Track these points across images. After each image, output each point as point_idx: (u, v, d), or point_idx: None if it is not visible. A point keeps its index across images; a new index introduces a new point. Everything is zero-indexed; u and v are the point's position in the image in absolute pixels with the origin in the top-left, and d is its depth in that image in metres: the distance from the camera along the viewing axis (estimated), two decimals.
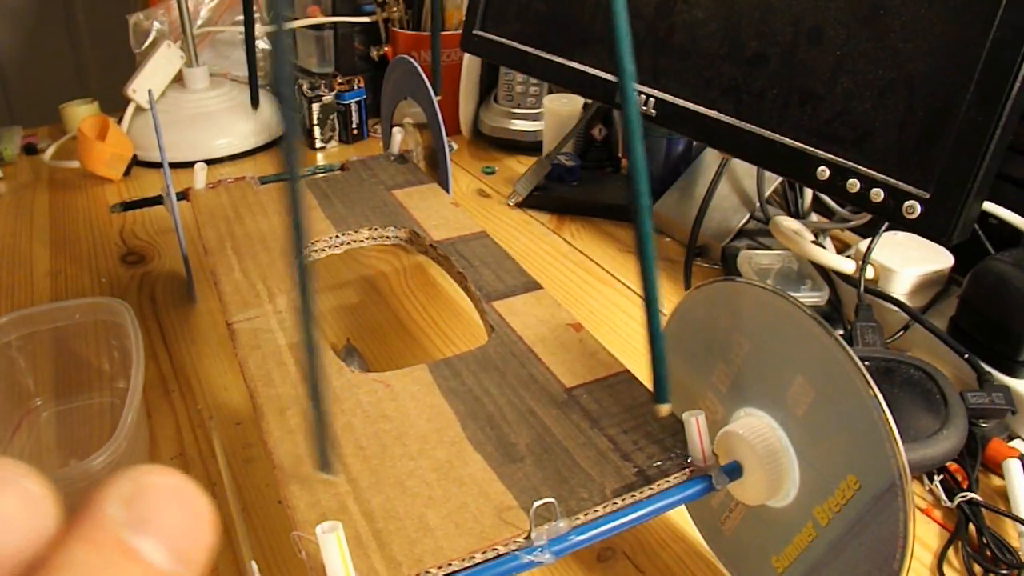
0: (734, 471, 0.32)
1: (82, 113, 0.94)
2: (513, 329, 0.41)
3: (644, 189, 0.29)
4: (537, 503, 0.29)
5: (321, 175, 0.63)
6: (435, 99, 0.61)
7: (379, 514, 0.30)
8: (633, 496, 0.31)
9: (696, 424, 0.32)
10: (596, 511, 0.30)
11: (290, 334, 0.41)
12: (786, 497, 0.32)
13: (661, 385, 0.33)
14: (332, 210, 0.55)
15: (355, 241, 0.53)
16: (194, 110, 0.91)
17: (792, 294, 0.58)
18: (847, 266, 0.58)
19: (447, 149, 0.62)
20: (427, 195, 0.58)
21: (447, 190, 0.60)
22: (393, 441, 0.33)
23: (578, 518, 0.30)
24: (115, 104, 0.94)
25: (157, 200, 0.61)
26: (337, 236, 0.52)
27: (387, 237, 0.54)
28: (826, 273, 0.61)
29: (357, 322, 0.61)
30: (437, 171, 0.66)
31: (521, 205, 0.80)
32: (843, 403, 0.29)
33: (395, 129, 0.66)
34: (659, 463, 0.32)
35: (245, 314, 0.42)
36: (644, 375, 0.38)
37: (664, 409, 0.33)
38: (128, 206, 0.62)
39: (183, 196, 0.58)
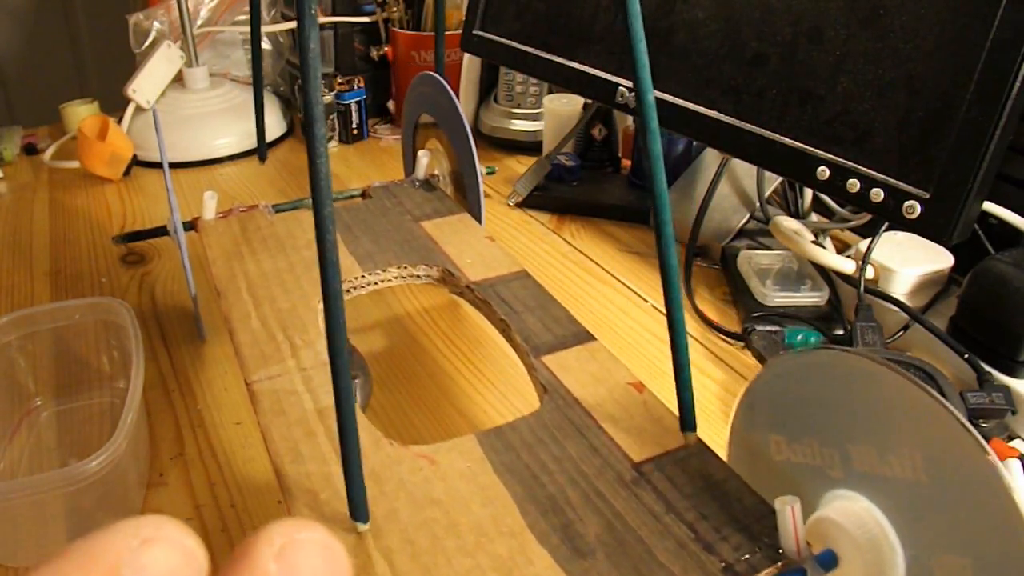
0: (829, 561, 0.29)
1: (82, 113, 0.94)
2: (568, 390, 0.37)
3: (668, 232, 0.28)
4: None
5: (341, 202, 0.58)
6: (468, 127, 0.57)
7: None
8: None
9: (791, 513, 0.28)
10: None
11: (318, 397, 0.36)
12: None
13: (688, 412, 0.30)
14: (356, 245, 0.50)
15: (383, 281, 0.48)
16: (194, 110, 0.92)
17: (793, 295, 0.59)
18: (847, 266, 0.58)
19: (479, 175, 0.57)
20: (458, 227, 0.53)
21: (479, 221, 0.57)
22: (445, 532, 0.29)
23: None
24: (115, 104, 0.95)
25: (161, 231, 0.57)
26: (363, 276, 0.47)
27: (418, 276, 0.49)
28: (826, 273, 0.61)
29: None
30: (463, 194, 0.62)
31: (521, 205, 0.80)
32: None
33: (420, 153, 0.62)
34: (746, 555, 0.28)
35: (266, 372, 0.38)
36: (655, 386, 0.38)
37: (691, 437, 0.30)
38: (130, 237, 0.59)
39: (190, 226, 0.54)
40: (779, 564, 0.28)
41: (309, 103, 0.22)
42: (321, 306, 0.45)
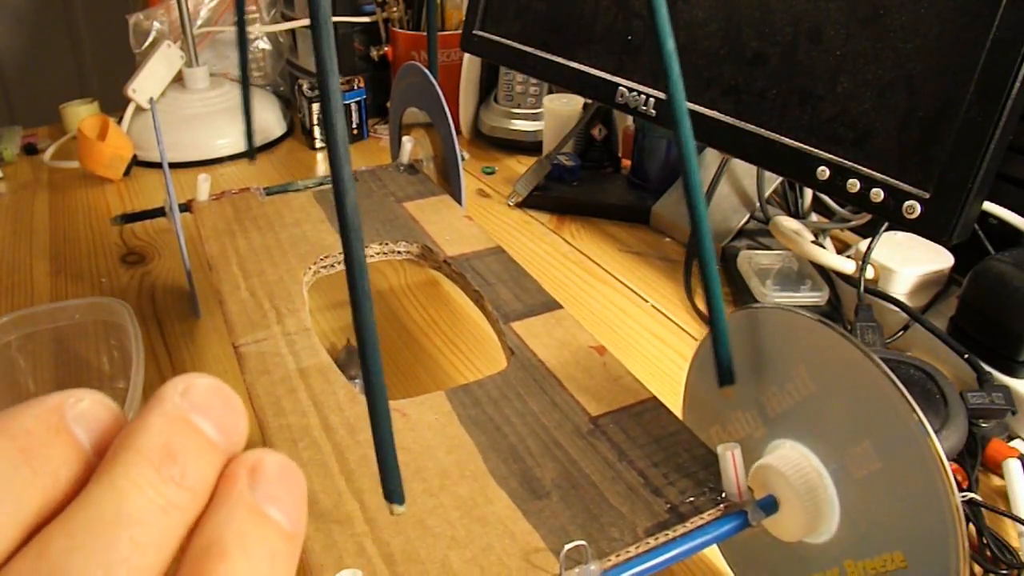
0: (769, 506, 0.31)
1: (82, 113, 0.94)
2: (533, 352, 0.40)
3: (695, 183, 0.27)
4: (568, 546, 0.28)
5: (329, 186, 0.61)
6: (447, 112, 0.59)
7: (399, 557, 0.28)
8: (666, 535, 0.29)
9: (732, 458, 0.30)
10: (628, 551, 0.29)
11: (300, 358, 0.39)
12: (818, 537, 0.31)
13: (724, 367, 0.31)
14: None
15: (365, 256, 0.51)
16: (194, 110, 0.91)
17: (793, 295, 0.59)
18: (847, 266, 0.58)
19: (460, 160, 0.60)
20: (439, 208, 0.56)
21: (459, 202, 0.59)
22: (412, 476, 0.32)
23: (609, 560, 0.28)
24: (115, 104, 0.95)
25: (159, 212, 0.60)
26: None
27: (398, 252, 0.52)
28: (826, 273, 0.61)
29: None
30: (447, 179, 0.64)
31: (521, 205, 0.80)
32: (912, 488, 0.27)
33: (405, 139, 0.64)
34: (692, 498, 0.31)
35: (252, 336, 0.40)
36: (655, 386, 0.38)
37: (730, 392, 0.31)
38: (129, 218, 0.61)
39: (186, 208, 0.56)
40: (721, 507, 0.30)
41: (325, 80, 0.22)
42: (306, 279, 0.47)
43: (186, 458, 0.15)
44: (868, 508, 0.29)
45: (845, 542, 0.30)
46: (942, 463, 0.26)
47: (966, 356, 0.50)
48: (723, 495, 0.31)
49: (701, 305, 0.63)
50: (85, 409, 0.15)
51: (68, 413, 0.15)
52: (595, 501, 0.31)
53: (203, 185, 0.57)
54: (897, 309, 0.55)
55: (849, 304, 0.59)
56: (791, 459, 0.31)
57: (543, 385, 0.37)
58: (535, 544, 0.29)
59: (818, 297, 0.59)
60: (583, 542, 0.28)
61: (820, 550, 0.31)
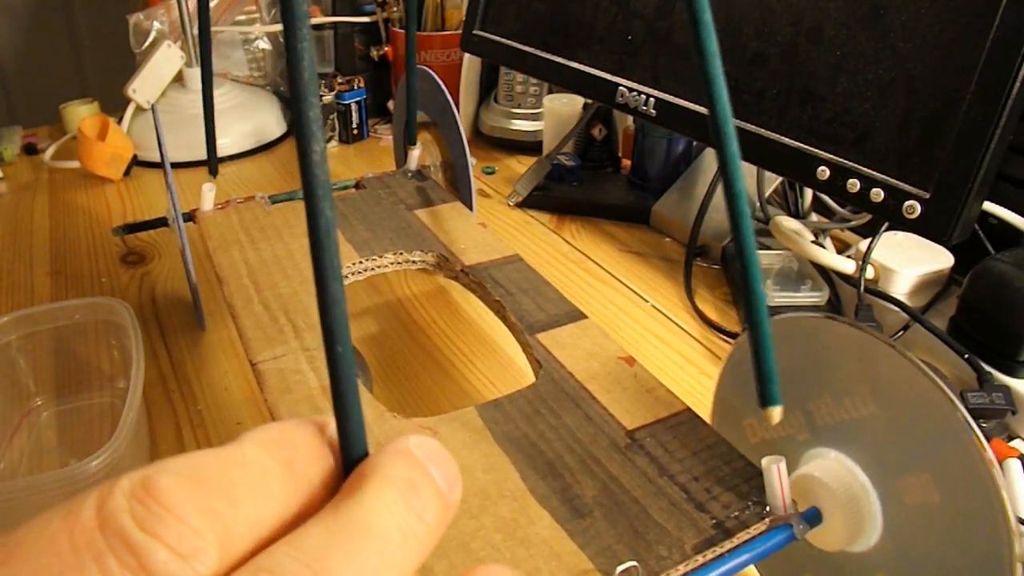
0: (814, 518, 0.31)
1: (82, 113, 0.94)
2: (562, 364, 0.39)
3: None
4: (620, 568, 0.27)
5: (336, 193, 0.59)
6: (458, 119, 0.58)
7: None
8: (714, 551, 0.29)
9: (777, 471, 0.30)
10: (678, 570, 0.28)
11: (322, 375, 0.37)
12: (856, 547, 0.31)
13: (769, 384, 0.27)
14: (353, 233, 0.52)
15: (379, 267, 0.50)
16: (194, 110, 0.91)
17: (793, 295, 0.59)
18: (847, 266, 0.58)
19: (470, 166, 0.59)
20: (451, 215, 0.55)
21: (470, 208, 0.58)
22: None
23: None
24: (115, 104, 0.95)
25: (161, 222, 0.58)
26: (360, 262, 0.49)
27: (413, 262, 0.50)
28: (826, 273, 0.61)
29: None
30: (456, 185, 0.63)
31: (521, 205, 0.80)
32: (971, 532, 0.27)
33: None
34: (736, 513, 0.30)
35: (271, 353, 0.39)
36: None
37: (776, 413, 0.27)
38: (130, 228, 0.60)
39: (189, 217, 0.55)
40: (767, 520, 0.30)
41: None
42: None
43: (426, 497, 0.16)
44: (914, 533, 0.29)
45: (883, 555, 0.30)
46: (1010, 522, 0.26)
47: (966, 356, 0.50)
48: (767, 508, 0.30)
49: (702, 306, 0.63)
50: (333, 433, 0.17)
51: (327, 433, 0.17)
52: (639, 518, 0.30)
53: (207, 194, 0.55)
54: (897, 309, 0.55)
55: (849, 304, 0.59)
56: (838, 473, 0.31)
57: (575, 398, 0.37)
58: (583, 566, 0.28)
59: (818, 297, 0.59)
60: (635, 563, 0.27)
61: (856, 558, 0.31)
